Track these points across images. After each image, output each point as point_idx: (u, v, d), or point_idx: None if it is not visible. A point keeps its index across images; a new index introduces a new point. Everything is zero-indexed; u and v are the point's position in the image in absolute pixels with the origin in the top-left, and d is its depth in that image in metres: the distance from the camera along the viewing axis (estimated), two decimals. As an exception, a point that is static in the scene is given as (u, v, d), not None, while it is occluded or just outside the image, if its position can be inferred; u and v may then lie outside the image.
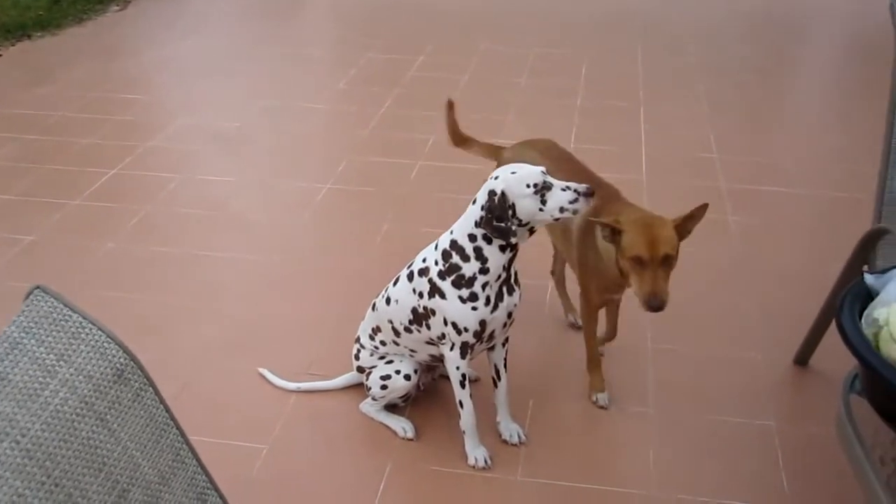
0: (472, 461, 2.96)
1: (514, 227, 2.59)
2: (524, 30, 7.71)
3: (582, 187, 2.58)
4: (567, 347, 3.57)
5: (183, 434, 1.45)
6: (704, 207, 2.78)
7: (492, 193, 2.60)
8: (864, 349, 1.54)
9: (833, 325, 3.20)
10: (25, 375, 1.25)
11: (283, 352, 3.51)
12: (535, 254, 3.57)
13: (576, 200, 2.57)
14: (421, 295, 2.81)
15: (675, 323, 3.71)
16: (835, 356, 3.39)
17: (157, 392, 1.42)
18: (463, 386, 2.90)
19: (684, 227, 2.80)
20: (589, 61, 6.79)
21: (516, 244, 2.67)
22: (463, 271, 2.70)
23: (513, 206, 2.58)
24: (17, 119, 5.91)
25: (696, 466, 2.99)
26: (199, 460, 1.48)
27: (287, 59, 7.16)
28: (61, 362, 1.29)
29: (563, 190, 2.58)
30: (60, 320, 1.34)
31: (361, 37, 7.61)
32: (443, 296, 2.74)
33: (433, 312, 2.80)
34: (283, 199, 4.79)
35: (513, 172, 2.61)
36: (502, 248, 2.67)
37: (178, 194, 4.82)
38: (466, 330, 2.76)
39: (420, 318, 2.86)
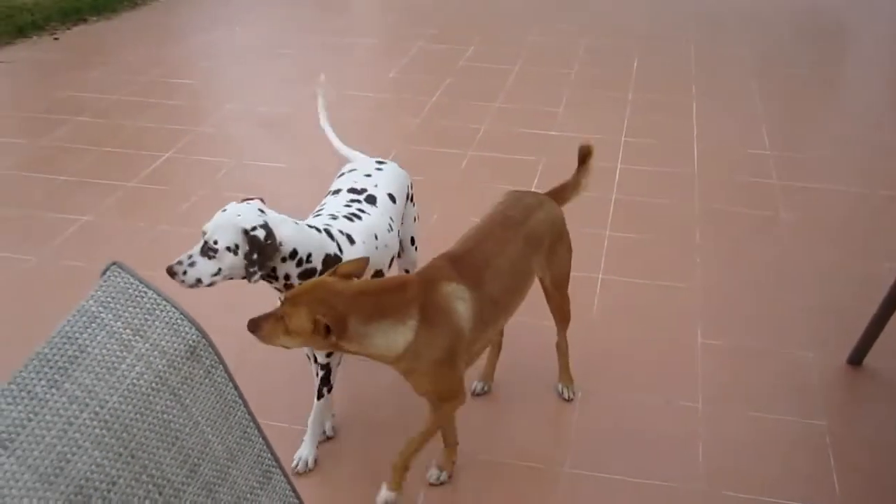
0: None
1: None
2: (574, 21, 7.68)
3: (169, 266, 2.52)
4: (615, 338, 3.57)
5: (250, 412, 1.47)
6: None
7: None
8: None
9: (889, 326, 3.20)
10: (104, 349, 1.28)
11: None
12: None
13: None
14: None
15: (725, 318, 3.70)
16: (892, 357, 3.39)
17: (226, 370, 1.44)
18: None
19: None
20: (640, 54, 6.76)
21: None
22: None
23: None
24: (72, 101, 6.00)
25: (745, 463, 2.97)
26: (265, 438, 1.50)
27: (337, 47, 7.19)
28: (137, 337, 1.32)
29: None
30: (136, 296, 1.37)
31: (411, 26, 7.62)
32: None
33: None
34: (333, 185, 4.81)
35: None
36: None
37: (229, 179, 4.87)
38: None
39: None
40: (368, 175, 3.03)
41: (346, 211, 2.84)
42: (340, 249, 2.68)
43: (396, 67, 6.60)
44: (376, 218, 2.87)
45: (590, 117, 5.63)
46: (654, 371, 3.38)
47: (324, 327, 2.20)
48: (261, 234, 2.48)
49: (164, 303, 1.38)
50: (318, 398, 2.88)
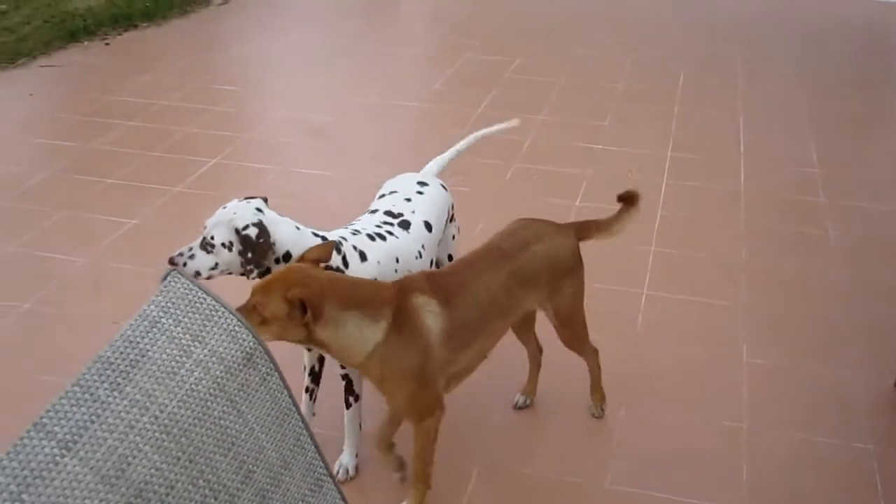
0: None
1: None
2: (621, 36, 7.65)
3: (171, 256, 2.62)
4: (659, 355, 3.55)
5: (303, 420, 1.49)
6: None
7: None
8: None
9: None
10: (164, 353, 1.29)
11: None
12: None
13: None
14: None
15: (770, 337, 3.66)
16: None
17: (282, 377, 1.45)
18: None
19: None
20: (687, 69, 6.72)
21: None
22: None
23: None
24: (122, 106, 6.08)
25: (789, 486, 2.93)
26: (317, 447, 1.51)
27: (383, 57, 7.23)
28: (196, 343, 1.33)
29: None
30: (195, 302, 1.38)
31: (458, 37, 7.64)
32: None
33: None
34: (378, 195, 4.84)
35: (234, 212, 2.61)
36: None
37: (276, 186, 4.90)
38: None
39: None
40: (408, 199, 3.00)
41: (374, 230, 2.83)
42: (346, 264, 2.65)
43: (442, 78, 6.62)
44: (404, 243, 2.85)
45: (635, 131, 5.61)
46: (698, 389, 3.36)
47: (300, 305, 2.22)
48: (252, 232, 2.52)
49: (221, 309, 1.40)
50: (347, 408, 2.90)
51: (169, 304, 1.36)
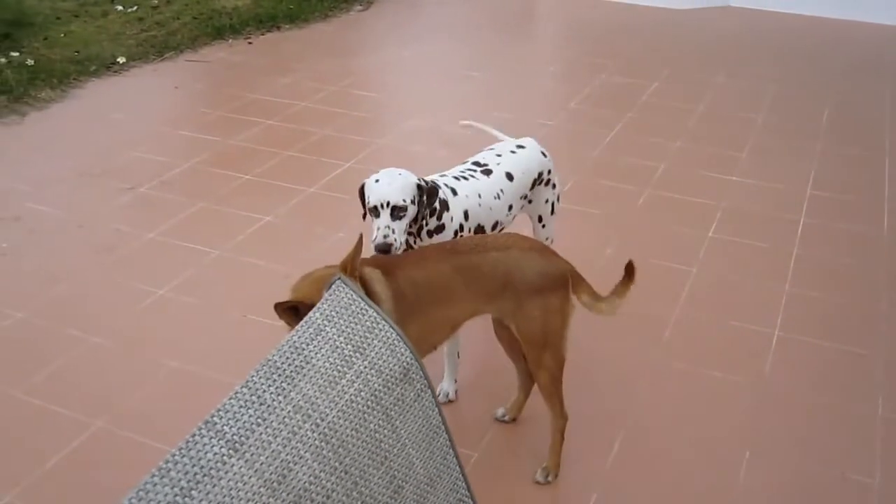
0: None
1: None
2: (764, 67, 7.45)
3: (379, 242, 2.91)
4: (789, 399, 3.43)
5: (451, 438, 1.48)
6: None
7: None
8: None
9: None
10: (327, 362, 1.31)
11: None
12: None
13: (373, 242, 2.93)
14: None
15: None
16: None
17: (434, 394, 1.45)
18: None
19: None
20: (832, 104, 6.50)
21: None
22: None
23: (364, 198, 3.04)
24: (262, 104, 6.24)
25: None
26: (461, 466, 1.50)
27: (519, 73, 7.22)
28: (357, 354, 1.34)
29: (377, 227, 2.94)
30: (358, 313, 1.39)
31: (594, 57, 7.58)
32: None
33: None
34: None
35: (376, 180, 3.00)
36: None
37: (407, 194, 4.94)
38: None
39: None
40: (499, 155, 3.44)
41: (459, 173, 3.30)
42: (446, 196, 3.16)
43: (578, 98, 6.57)
44: (484, 184, 3.29)
45: (774, 165, 5.45)
46: (827, 438, 3.23)
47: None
48: (423, 182, 3.03)
49: (382, 322, 1.41)
50: None
51: (333, 313, 1.37)
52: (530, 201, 3.54)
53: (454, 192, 3.18)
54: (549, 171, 3.55)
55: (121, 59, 7.02)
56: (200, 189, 4.99)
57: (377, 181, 2.98)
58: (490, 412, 3.33)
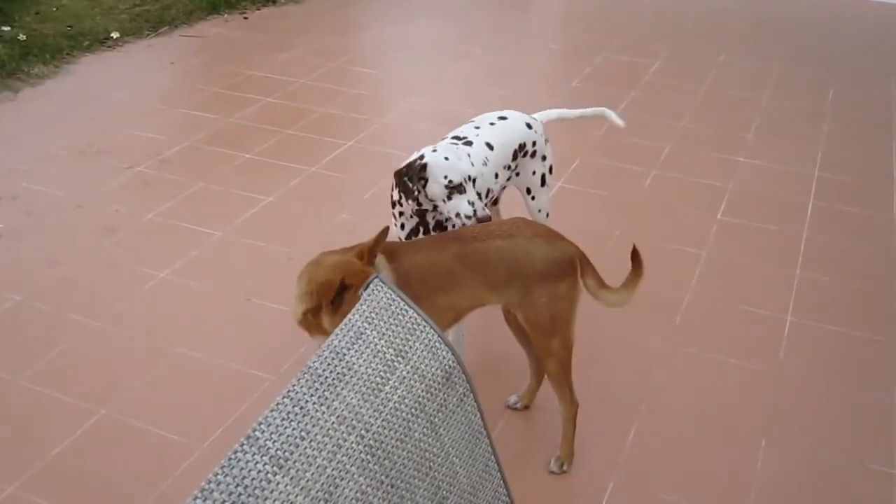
0: None
1: (417, 195, 2.97)
2: (768, 45, 7.36)
3: (481, 214, 2.90)
4: (804, 387, 3.38)
5: (492, 444, 1.41)
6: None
7: (420, 157, 2.96)
8: None
9: None
10: (369, 368, 1.24)
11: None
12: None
13: (470, 217, 2.91)
14: None
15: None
16: None
17: (476, 399, 1.38)
18: None
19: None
20: (837, 84, 6.42)
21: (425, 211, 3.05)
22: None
23: (425, 181, 2.93)
24: (261, 81, 6.14)
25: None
26: (502, 473, 1.44)
27: (520, 52, 7.12)
28: (399, 358, 1.27)
29: (469, 203, 2.91)
30: (398, 314, 1.32)
31: (594, 35, 7.48)
32: None
33: None
34: (513, 192, 4.75)
35: (445, 158, 2.93)
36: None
37: (411, 174, 4.86)
38: None
39: None
40: (478, 127, 3.37)
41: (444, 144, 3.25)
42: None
43: (579, 77, 6.48)
44: (472, 151, 3.21)
45: (781, 146, 5.39)
46: (845, 427, 3.18)
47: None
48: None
49: (423, 323, 1.34)
50: None
51: (373, 315, 1.30)
52: (518, 174, 3.50)
53: (445, 158, 3.07)
54: (535, 143, 3.46)
55: (114, 34, 6.89)
56: (200, 168, 4.89)
57: (446, 158, 2.94)
58: (502, 400, 3.27)
